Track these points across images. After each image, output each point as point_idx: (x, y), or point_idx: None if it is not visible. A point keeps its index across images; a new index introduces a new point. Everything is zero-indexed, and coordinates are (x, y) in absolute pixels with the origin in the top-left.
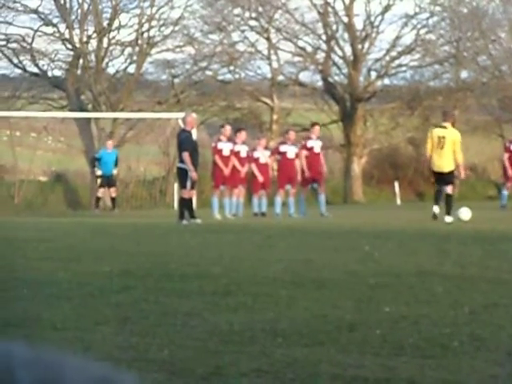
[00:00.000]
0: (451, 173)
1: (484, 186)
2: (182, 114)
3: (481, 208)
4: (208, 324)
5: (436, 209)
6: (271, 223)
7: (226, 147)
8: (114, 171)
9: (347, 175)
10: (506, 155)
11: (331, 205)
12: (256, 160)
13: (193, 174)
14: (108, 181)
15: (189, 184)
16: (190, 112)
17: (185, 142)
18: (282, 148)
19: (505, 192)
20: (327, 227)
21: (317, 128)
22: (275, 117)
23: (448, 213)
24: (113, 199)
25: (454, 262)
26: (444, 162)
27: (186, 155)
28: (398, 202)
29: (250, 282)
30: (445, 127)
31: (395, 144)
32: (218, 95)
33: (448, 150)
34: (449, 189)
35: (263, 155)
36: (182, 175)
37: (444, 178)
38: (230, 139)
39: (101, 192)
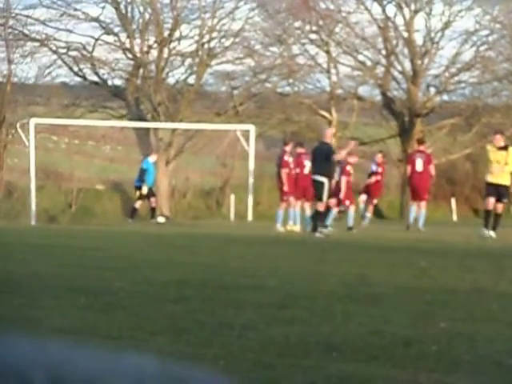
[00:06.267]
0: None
1: None
2: (240, 126)
3: None
4: (263, 336)
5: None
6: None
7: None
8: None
9: (404, 190)
10: None
11: (387, 220)
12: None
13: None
14: (149, 191)
15: (325, 196)
16: (329, 126)
17: (328, 154)
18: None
19: None
20: (382, 242)
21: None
22: (333, 130)
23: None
24: (152, 209)
25: (510, 279)
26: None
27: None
28: (455, 218)
29: (305, 296)
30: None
31: (452, 160)
32: (277, 108)
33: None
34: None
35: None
36: (319, 187)
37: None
38: (291, 153)
39: (138, 204)
